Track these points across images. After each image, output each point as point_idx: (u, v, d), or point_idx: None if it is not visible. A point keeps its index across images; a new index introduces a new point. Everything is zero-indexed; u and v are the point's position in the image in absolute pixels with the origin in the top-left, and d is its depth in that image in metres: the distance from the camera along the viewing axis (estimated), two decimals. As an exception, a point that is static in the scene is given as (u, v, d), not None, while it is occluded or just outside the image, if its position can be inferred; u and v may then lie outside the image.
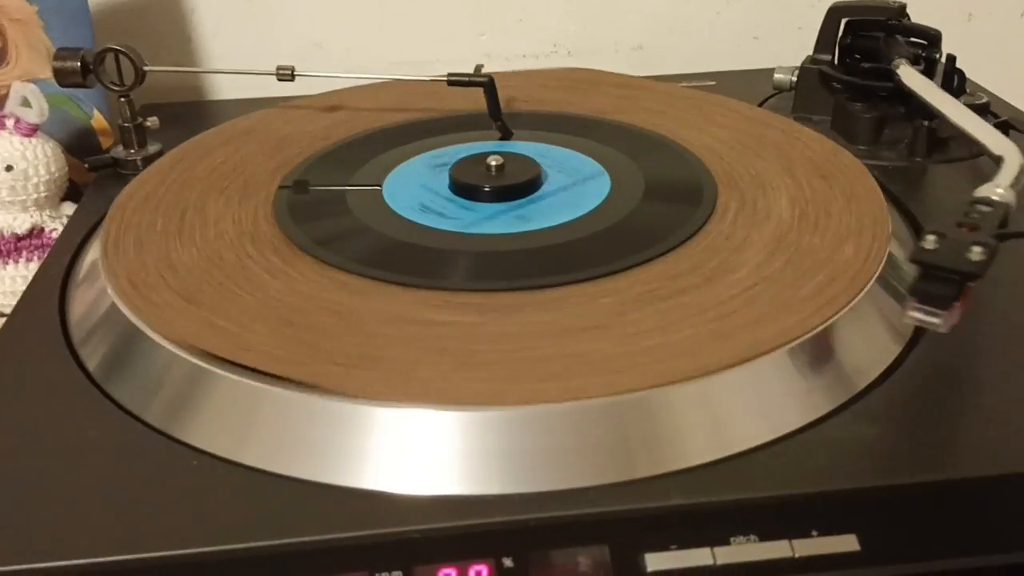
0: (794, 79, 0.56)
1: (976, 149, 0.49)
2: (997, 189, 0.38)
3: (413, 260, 0.39)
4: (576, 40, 0.69)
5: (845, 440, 0.31)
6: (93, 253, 0.43)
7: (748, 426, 0.31)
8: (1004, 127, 0.51)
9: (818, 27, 0.58)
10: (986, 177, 0.44)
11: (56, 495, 0.30)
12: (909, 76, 0.50)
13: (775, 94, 0.58)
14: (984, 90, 0.59)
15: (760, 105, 0.58)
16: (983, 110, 0.54)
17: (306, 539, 0.27)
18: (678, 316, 0.34)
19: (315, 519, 0.28)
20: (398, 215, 0.42)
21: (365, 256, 0.39)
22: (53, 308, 0.41)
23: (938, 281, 0.33)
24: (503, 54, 0.69)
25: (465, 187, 0.43)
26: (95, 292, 0.40)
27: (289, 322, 0.35)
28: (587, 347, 0.33)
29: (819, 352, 0.34)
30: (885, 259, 0.39)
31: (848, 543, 0.27)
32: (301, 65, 0.66)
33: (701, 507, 0.29)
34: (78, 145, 0.55)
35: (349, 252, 0.39)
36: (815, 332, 0.34)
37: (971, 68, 0.64)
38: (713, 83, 0.63)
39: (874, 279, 0.37)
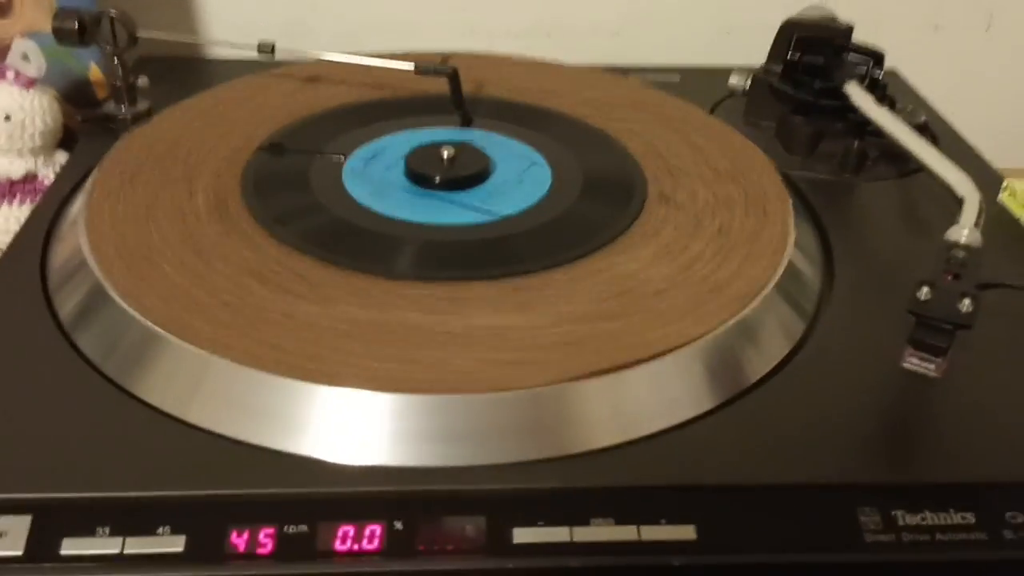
0: (747, 86, 0.60)
1: (902, 168, 0.54)
2: (963, 231, 0.40)
3: (357, 243, 0.43)
4: (556, 21, 0.72)
5: (707, 439, 0.36)
6: (78, 205, 0.48)
7: (622, 424, 0.36)
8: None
9: None
10: (910, 196, 0.48)
11: (6, 430, 0.35)
12: (861, 99, 0.53)
13: (730, 96, 0.62)
14: (926, 106, 0.63)
15: (716, 105, 0.62)
16: (921, 129, 0.57)
17: (224, 491, 0.33)
18: (584, 314, 0.39)
19: (237, 474, 0.33)
20: (351, 196, 0.46)
21: (314, 234, 0.44)
22: (36, 254, 0.45)
23: (933, 331, 0.37)
24: (486, 30, 0.72)
25: (418, 176, 0.48)
26: (72, 245, 0.45)
27: (238, 295, 0.40)
28: (495, 341, 0.37)
29: (706, 356, 0.38)
30: (783, 269, 0.43)
31: (686, 532, 0.32)
32: (293, 26, 0.70)
33: (568, 491, 0.34)
34: (75, 94, 0.59)
35: (301, 229, 0.44)
36: (707, 336, 0.38)
37: (937, 79, 0.68)
38: (678, 78, 0.66)
39: (771, 287, 0.42)
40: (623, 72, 0.66)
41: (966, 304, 0.35)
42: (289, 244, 0.43)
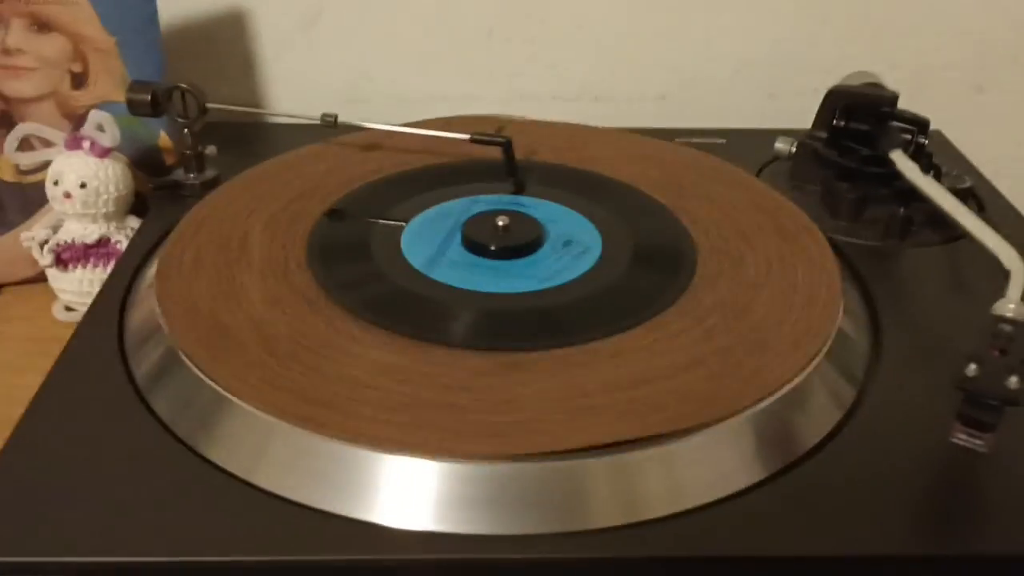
0: (793, 150, 0.61)
1: (948, 234, 0.54)
2: (1010, 305, 0.40)
3: (416, 311, 0.45)
4: (603, 87, 0.74)
5: (759, 510, 0.37)
6: (152, 271, 0.50)
7: (674, 493, 0.37)
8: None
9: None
10: (957, 262, 0.48)
11: (82, 492, 0.37)
12: (907, 168, 0.54)
13: (776, 159, 0.63)
14: (972, 169, 0.64)
15: (762, 169, 0.63)
16: (966, 194, 0.58)
17: (287, 558, 0.34)
18: (630, 382, 0.40)
19: (299, 539, 0.35)
20: (410, 264, 0.48)
21: (374, 302, 0.45)
22: (114, 317, 0.48)
23: (981, 407, 0.37)
24: (535, 95, 0.74)
25: (474, 244, 0.49)
26: (148, 309, 0.47)
27: (305, 363, 0.41)
28: (547, 409, 0.39)
29: (757, 425, 0.39)
30: (833, 337, 0.44)
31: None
32: (349, 93, 0.73)
33: (622, 561, 0.35)
34: (145, 161, 0.62)
35: (362, 296, 0.46)
36: (759, 405, 0.39)
37: (981, 141, 0.69)
38: (723, 141, 0.68)
39: (822, 355, 0.43)
40: (670, 135, 0.67)
41: (1014, 381, 0.36)
42: (351, 311, 0.45)
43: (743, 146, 0.67)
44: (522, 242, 0.49)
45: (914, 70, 0.73)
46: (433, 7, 0.71)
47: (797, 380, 0.41)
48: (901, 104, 0.59)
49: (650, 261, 0.50)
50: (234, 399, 0.40)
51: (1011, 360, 0.37)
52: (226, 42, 0.72)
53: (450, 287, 0.47)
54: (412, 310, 0.45)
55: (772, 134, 0.67)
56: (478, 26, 0.72)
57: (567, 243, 0.50)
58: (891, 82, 0.64)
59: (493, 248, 0.49)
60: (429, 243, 0.50)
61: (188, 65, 0.71)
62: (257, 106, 0.74)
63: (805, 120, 0.63)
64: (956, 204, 0.49)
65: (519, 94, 0.74)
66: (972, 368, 0.36)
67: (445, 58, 0.73)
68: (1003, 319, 0.39)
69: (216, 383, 0.41)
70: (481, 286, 0.47)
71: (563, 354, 0.42)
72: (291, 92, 0.74)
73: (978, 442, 0.37)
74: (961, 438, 0.37)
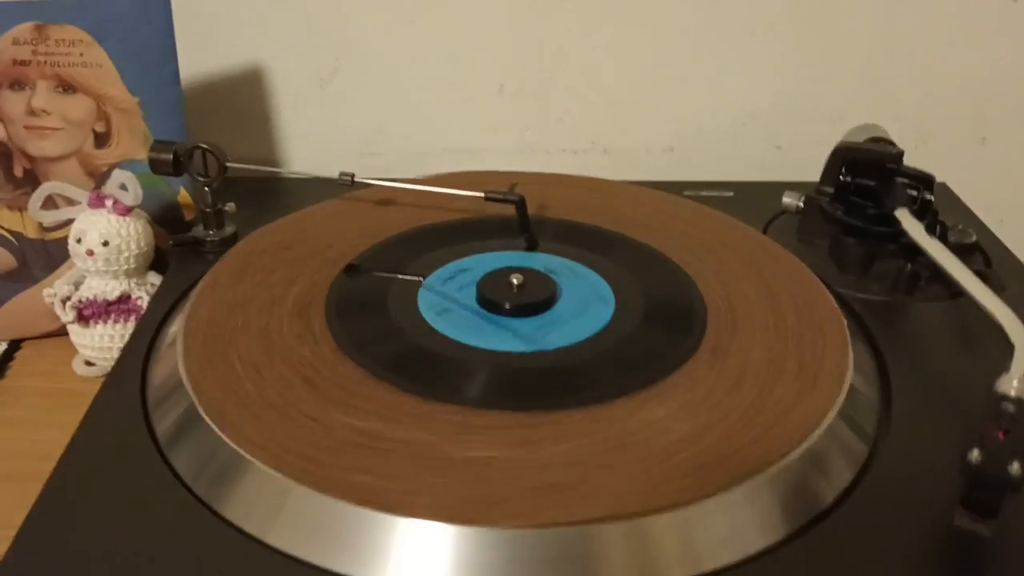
0: (800, 205, 0.62)
1: (956, 289, 0.55)
2: (1013, 383, 0.39)
3: (433, 371, 0.46)
4: (612, 139, 0.76)
5: (777, 573, 0.37)
6: (173, 328, 0.51)
7: (692, 557, 0.37)
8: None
9: (835, 142, 0.64)
10: (965, 316, 0.48)
11: (103, 550, 0.37)
12: (912, 228, 0.55)
13: (783, 213, 0.64)
14: (976, 221, 0.65)
15: (770, 223, 0.64)
16: (971, 249, 0.59)
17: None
18: (646, 447, 0.41)
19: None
20: (427, 322, 0.49)
21: (391, 361, 0.46)
22: (137, 374, 0.49)
23: (984, 490, 0.36)
24: (545, 147, 0.76)
25: (489, 302, 0.50)
26: (170, 365, 0.48)
27: (322, 423, 0.42)
28: (565, 472, 0.39)
29: (774, 486, 0.40)
30: (845, 395, 0.45)
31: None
32: (364, 146, 0.75)
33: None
34: (165, 216, 0.64)
35: (380, 355, 0.46)
36: (774, 468, 0.40)
37: (984, 191, 0.70)
38: (731, 194, 0.69)
39: (834, 413, 0.44)
40: (678, 188, 0.69)
41: (1016, 467, 0.35)
42: (369, 371, 0.45)
43: (751, 198, 0.68)
44: (536, 300, 0.50)
45: (917, 120, 0.75)
46: (446, 64, 0.73)
47: (812, 439, 0.42)
48: (905, 154, 0.60)
49: (662, 321, 0.50)
50: (251, 459, 0.40)
51: (1014, 443, 0.36)
52: (244, 97, 0.74)
53: (467, 346, 0.47)
54: (428, 369, 0.46)
55: (779, 186, 0.68)
56: (490, 82, 0.74)
57: (580, 302, 0.51)
58: (895, 133, 0.65)
59: (508, 306, 0.50)
60: (445, 299, 0.51)
61: (206, 119, 0.73)
62: (274, 160, 0.75)
63: (810, 170, 0.64)
64: (962, 269, 0.50)
65: (529, 146, 0.76)
66: (975, 454, 0.36)
67: (457, 112, 0.75)
68: (1006, 397, 0.38)
69: (233, 443, 0.41)
70: (497, 344, 0.48)
71: (578, 416, 0.43)
72: (307, 145, 0.76)
73: (982, 526, 0.37)
74: (964, 523, 0.37)
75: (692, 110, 0.75)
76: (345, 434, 0.42)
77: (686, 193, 0.68)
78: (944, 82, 0.74)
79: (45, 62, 0.59)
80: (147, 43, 0.61)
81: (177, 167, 0.58)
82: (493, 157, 0.76)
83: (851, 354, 0.48)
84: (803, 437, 0.42)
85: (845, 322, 0.50)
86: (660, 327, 0.50)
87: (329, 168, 0.74)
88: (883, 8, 0.71)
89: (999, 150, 0.76)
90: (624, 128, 0.75)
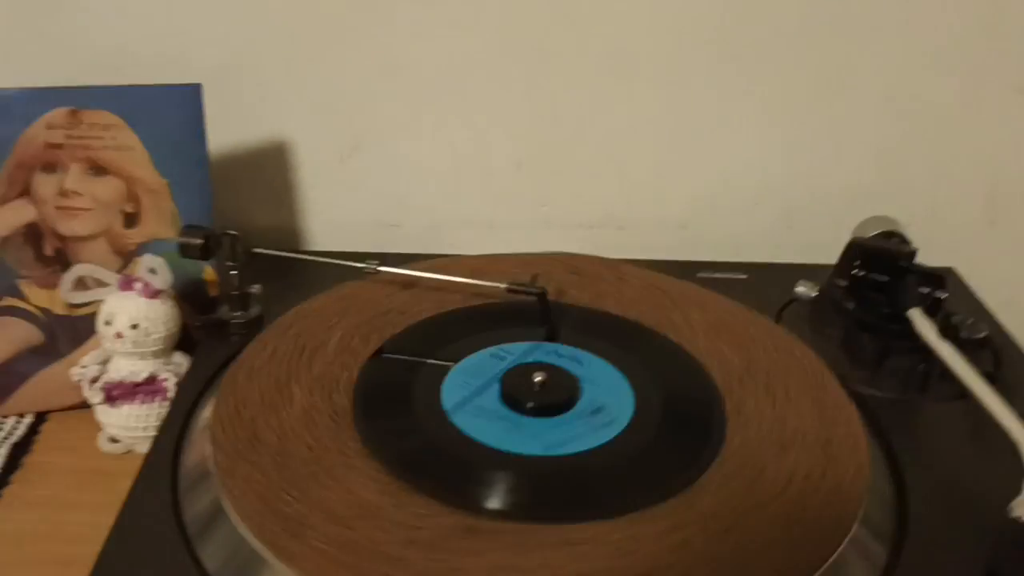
0: (813, 295, 0.64)
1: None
2: None
3: (454, 475, 0.47)
4: (626, 215, 0.77)
5: None
6: (205, 412, 0.52)
7: None
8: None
9: (847, 221, 0.66)
10: (979, 415, 0.50)
11: None
12: (924, 329, 0.56)
13: (796, 300, 0.66)
14: (987, 313, 0.66)
15: (783, 308, 0.66)
16: (982, 344, 0.61)
17: None
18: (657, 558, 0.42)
19: None
20: (453, 423, 0.50)
21: (411, 461, 0.47)
22: (168, 463, 0.50)
23: None
24: (561, 223, 0.77)
25: (512, 400, 0.52)
26: (200, 454, 0.49)
27: (341, 524, 0.43)
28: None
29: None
30: (865, 499, 0.46)
31: None
32: (384, 217, 0.76)
33: None
34: (191, 294, 0.65)
35: (399, 454, 0.47)
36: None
37: (994, 275, 0.71)
38: (744, 276, 0.71)
39: (857, 522, 0.44)
40: (692, 269, 0.70)
41: None
42: (391, 473, 0.46)
43: (764, 282, 0.69)
44: (558, 400, 0.51)
45: (927, 203, 0.76)
46: (466, 141, 0.74)
47: (838, 551, 0.42)
48: (915, 235, 0.62)
49: (681, 427, 0.51)
50: (273, 560, 0.41)
51: None
52: (268, 170, 0.75)
53: (489, 448, 0.48)
54: (451, 473, 0.47)
55: (791, 269, 0.69)
56: (508, 158, 0.75)
57: (599, 405, 0.52)
58: (904, 216, 0.66)
59: (531, 405, 0.51)
60: (469, 393, 0.52)
61: (230, 192, 0.74)
62: (296, 229, 0.77)
63: (821, 249, 0.66)
64: (974, 377, 0.51)
65: (545, 221, 0.77)
66: None
67: (476, 187, 0.76)
68: (1019, 522, 0.39)
69: (257, 542, 0.42)
70: (517, 447, 0.48)
71: (599, 526, 0.43)
72: (329, 216, 0.77)
73: None
74: None
75: (706, 187, 0.76)
76: (364, 541, 0.42)
77: (700, 275, 0.70)
78: (955, 164, 0.75)
79: (77, 145, 0.61)
80: (178, 128, 0.62)
81: (206, 253, 0.59)
82: (510, 231, 0.77)
83: (870, 461, 0.49)
84: (830, 552, 0.42)
85: (863, 428, 0.51)
86: (678, 436, 0.50)
87: (351, 239, 0.76)
88: (897, 88, 0.73)
89: (1009, 234, 0.77)
90: (639, 204, 0.77)
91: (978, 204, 0.77)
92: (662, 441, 0.50)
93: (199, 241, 0.59)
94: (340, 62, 0.72)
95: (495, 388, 0.53)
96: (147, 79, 0.63)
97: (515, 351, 0.56)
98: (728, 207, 0.77)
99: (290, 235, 0.77)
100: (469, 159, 0.75)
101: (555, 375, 0.53)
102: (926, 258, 0.61)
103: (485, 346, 0.57)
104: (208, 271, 0.66)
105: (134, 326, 0.58)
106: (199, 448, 0.50)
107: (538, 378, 0.52)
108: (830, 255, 0.64)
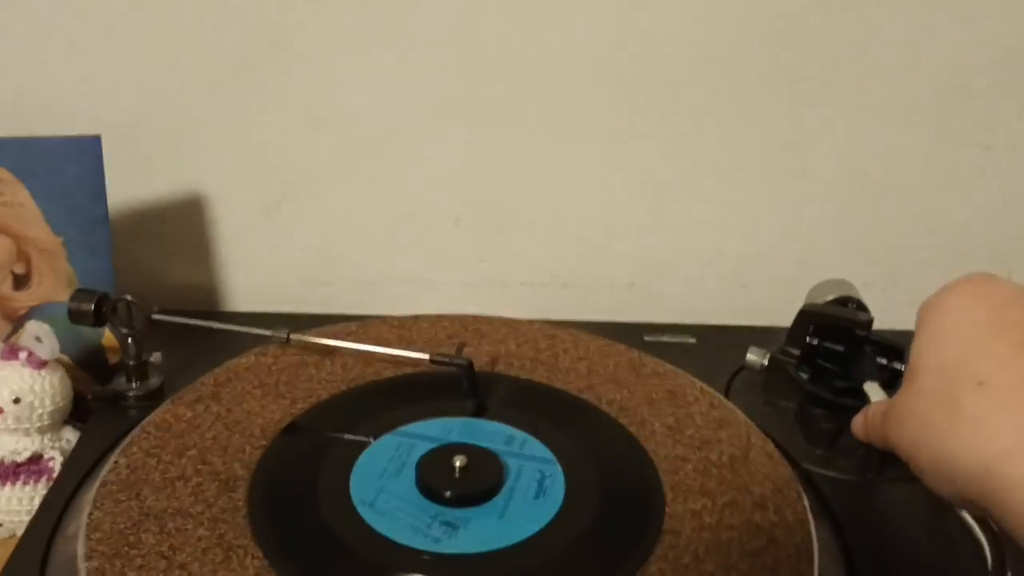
0: (765, 363, 0.59)
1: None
2: None
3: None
4: (572, 274, 0.73)
5: None
6: (88, 495, 0.46)
7: None
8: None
9: (804, 281, 0.62)
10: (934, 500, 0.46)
11: None
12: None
13: (747, 367, 0.61)
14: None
15: (733, 376, 0.61)
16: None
17: None
18: None
19: None
20: (361, 517, 0.45)
21: (314, 565, 0.42)
22: (40, 550, 0.45)
23: None
24: (502, 280, 0.73)
25: (429, 489, 0.46)
26: (73, 548, 0.43)
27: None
28: None
29: None
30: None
31: None
32: (311, 274, 0.71)
33: None
34: (87, 360, 0.60)
35: (301, 555, 0.42)
36: None
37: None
38: (693, 340, 0.66)
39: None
40: (639, 331, 0.65)
41: None
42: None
43: (715, 345, 0.65)
44: (480, 489, 0.46)
45: (888, 263, 0.72)
46: (399, 195, 0.70)
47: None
48: (874, 297, 0.58)
49: (615, 508, 0.46)
50: None
51: None
52: (184, 225, 0.70)
53: (401, 546, 0.43)
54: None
55: (743, 331, 0.65)
56: (445, 213, 0.70)
57: (528, 485, 0.47)
58: (865, 275, 0.63)
59: (449, 495, 0.46)
60: (380, 481, 0.47)
61: (143, 249, 0.69)
62: (214, 288, 0.72)
63: (777, 313, 0.62)
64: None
65: (486, 279, 0.72)
66: None
67: (410, 243, 0.71)
68: None
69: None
70: (432, 545, 0.43)
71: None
72: (251, 273, 0.72)
73: None
74: None
75: (656, 247, 0.72)
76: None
77: (647, 338, 0.65)
78: (915, 227, 0.71)
79: (-39, 201, 0.56)
80: (75, 182, 0.57)
81: (99, 319, 0.54)
82: (447, 289, 0.72)
83: (816, 542, 0.44)
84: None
85: (810, 511, 0.47)
86: (614, 517, 0.46)
87: (277, 298, 0.71)
88: (854, 150, 0.69)
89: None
90: (585, 263, 0.72)
91: (940, 268, 0.73)
92: (596, 530, 0.45)
93: (89, 307, 0.53)
94: (263, 112, 0.67)
95: (410, 474, 0.48)
96: (48, 130, 0.58)
97: (435, 428, 0.51)
98: (678, 267, 0.73)
99: (210, 294, 0.72)
100: (404, 214, 0.71)
101: (477, 457, 0.48)
102: (884, 323, 0.57)
103: (405, 422, 0.52)
104: (107, 336, 0.60)
105: (16, 400, 0.53)
106: (73, 544, 0.44)
107: (459, 463, 0.47)
108: (786, 317, 0.60)
